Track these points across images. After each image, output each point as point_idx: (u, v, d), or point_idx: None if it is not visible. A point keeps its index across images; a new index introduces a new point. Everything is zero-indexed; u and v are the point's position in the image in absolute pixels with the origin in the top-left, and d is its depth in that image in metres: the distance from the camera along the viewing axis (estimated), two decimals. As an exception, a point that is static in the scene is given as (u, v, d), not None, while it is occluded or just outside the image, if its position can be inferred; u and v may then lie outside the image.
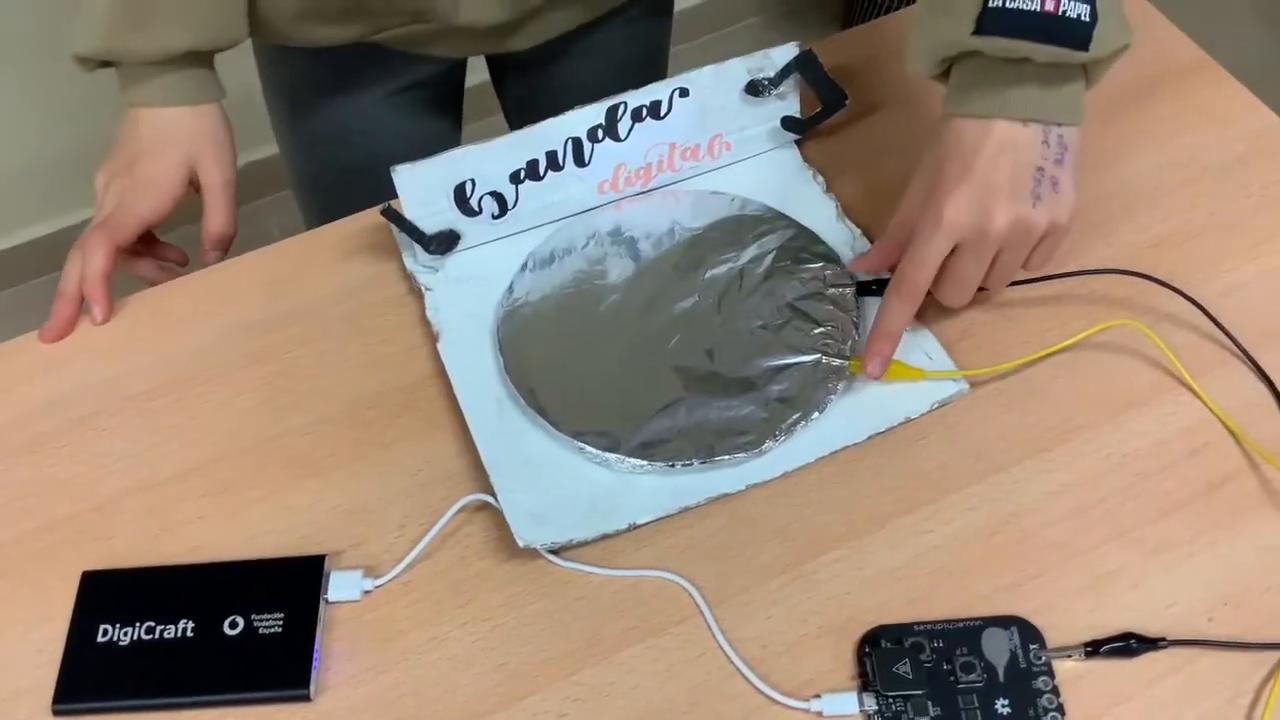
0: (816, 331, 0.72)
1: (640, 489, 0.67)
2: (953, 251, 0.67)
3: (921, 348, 0.72)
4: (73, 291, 0.77)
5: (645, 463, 0.67)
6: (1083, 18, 0.63)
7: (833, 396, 0.70)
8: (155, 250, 0.85)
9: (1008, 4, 0.63)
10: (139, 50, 0.78)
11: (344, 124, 0.97)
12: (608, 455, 0.68)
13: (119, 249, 0.79)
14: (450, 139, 1.06)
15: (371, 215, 0.82)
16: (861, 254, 0.74)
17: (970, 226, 0.66)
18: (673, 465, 0.67)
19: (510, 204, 0.78)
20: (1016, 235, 0.66)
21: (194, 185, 0.83)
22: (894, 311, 0.69)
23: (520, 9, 0.86)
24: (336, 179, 1.00)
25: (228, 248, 0.85)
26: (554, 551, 0.66)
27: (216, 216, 0.83)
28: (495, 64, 1.05)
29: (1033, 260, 0.69)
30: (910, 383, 0.70)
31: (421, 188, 0.75)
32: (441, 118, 1.03)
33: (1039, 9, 0.62)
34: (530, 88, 1.03)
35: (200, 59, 0.81)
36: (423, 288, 0.76)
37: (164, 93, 0.80)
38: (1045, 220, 0.66)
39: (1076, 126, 0.67)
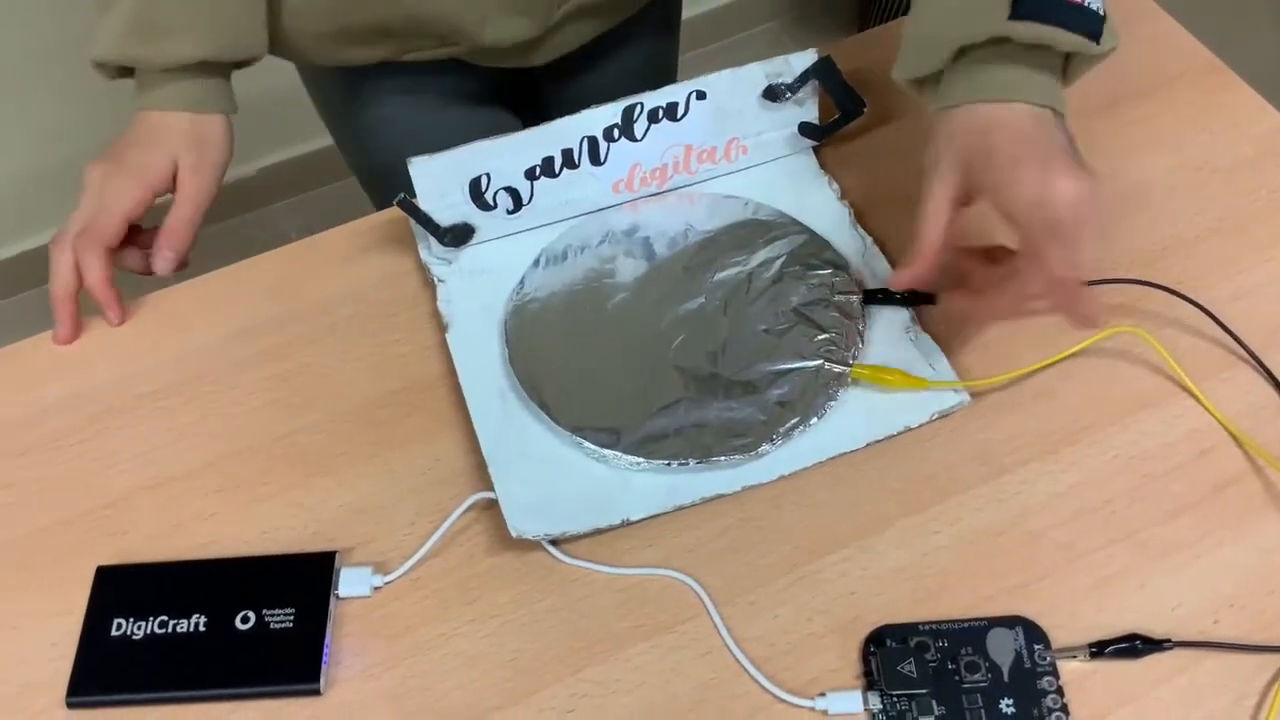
0: (820, 338, 0.73)
1: (636, 486, 0.68)
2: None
3: (925, 357, 0.72)
4: (65, 293, 0.78)
5: (643, 460, 0.68)
6: (1100, 11, 0.64)
7: (832, 403, 0.70)
8: (139, 239, 0.82)
9: None
10: (153, 57, 0.79)
11: (397, 129, 0.97)
12: (606, 451, 0.68)
13: (110, 250, 0.78)
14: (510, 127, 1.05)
15: (382, 215, 0.82)
16: (905, 268, 0.69)
17: (1075, 201, 0.62)
18: (669, 464, 0.68)
19: (525, 199, 0.79)
20: (1092, 208, 0.63)
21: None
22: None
23: (543, 25, 0.86)
24: (397, 170, 1.00)
25: (179, 262, 0.81)
26: (555, 544, 0.66)
27: (175, 218, 0.80)
28: (507, 78, 1.05)
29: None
30: (912, 392, 0.71)
31: (437, 180, 0.76)
32: (497, 110, 1.03)
33: None
34: (542, 101, 1.04)
35: (213, 69, 0.81)
36: (435, 279, 0.77)
37: (170, 98, 0.80)
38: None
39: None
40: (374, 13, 0.83)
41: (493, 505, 0.68)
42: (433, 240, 0.78)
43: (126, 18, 0.77)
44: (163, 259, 0.80)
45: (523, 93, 1.06)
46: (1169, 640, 0.61)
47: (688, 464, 0.68)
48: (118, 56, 0.79)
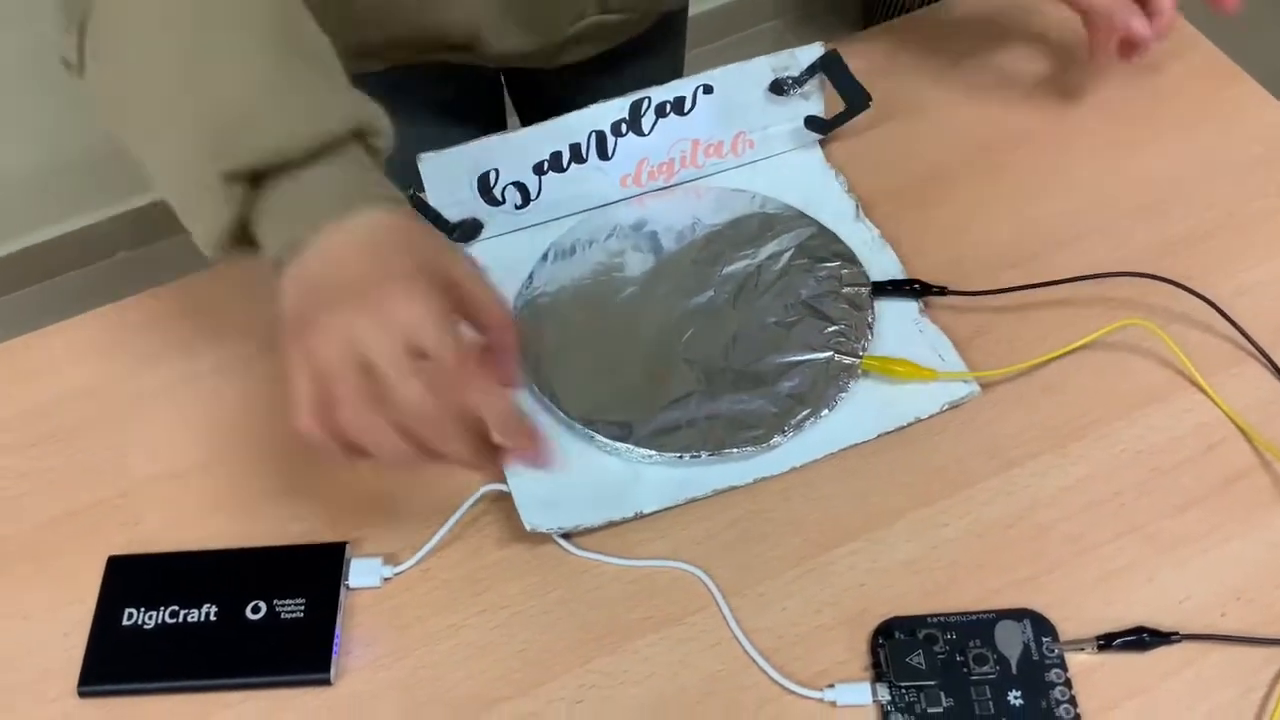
0: (830, 330, 0.73)
1: (648, 479, 0.68)
2: None
3: (934, 348, 0.72)
4: (475, 451, 0.55)
5: (654, 453, 0.68)
6: None
7: (843, 394, 0.70)
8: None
9: None
10: (304, 130, 0.55)
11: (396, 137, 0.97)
12: (618, 445, 0.69)
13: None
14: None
15: (394, 210, 0.82)
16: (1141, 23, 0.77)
17: None
18: (681, 457, 0.68)
19: (533, 195, 0.79)
20: None
21: None
22: None
23: (557, 37, 0.86)
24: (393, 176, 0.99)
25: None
26: (566, 537, 0.66)
27: (493, 313, 0.59)
28: (514, 74, 1.05)
29: None
30: (921, 383, 0.71)
31: (446, 176, 0.76)
32: (487, 120, 1.03)
33: None
34: (548, 100, 1.04)
35: (362, 145, 0.60)
36: None
37: (346, 191, 0.55)
38: None
39: None
40: (388, 29, 0.83)
41: (502, 497, 0.68)
42: (441, 236, 0.78)
43: (257, 75, 0.54)
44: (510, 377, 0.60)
45: (530, 95, 1.06)
46: (1176, 633, 0.62)
47: (700, 456, 0.68)
48: (258, 154, 0.53)
